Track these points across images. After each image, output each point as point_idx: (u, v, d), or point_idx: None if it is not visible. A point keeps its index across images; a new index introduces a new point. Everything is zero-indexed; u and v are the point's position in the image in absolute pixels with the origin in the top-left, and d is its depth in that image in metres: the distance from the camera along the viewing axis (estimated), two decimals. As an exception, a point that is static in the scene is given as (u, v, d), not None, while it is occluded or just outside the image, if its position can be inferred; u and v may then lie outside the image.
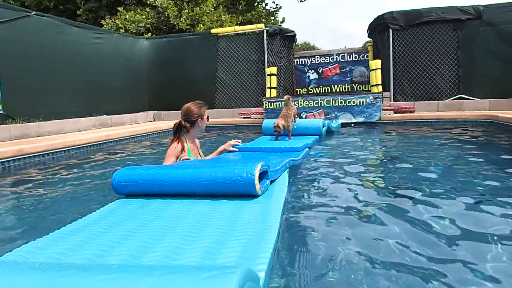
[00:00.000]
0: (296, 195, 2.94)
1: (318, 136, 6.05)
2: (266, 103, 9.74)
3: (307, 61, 12.72)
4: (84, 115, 9.65)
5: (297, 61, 12.86)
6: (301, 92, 12.78)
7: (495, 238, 1.92)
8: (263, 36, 11.52)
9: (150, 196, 2.44)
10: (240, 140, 4.17)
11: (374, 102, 8.87)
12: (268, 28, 11.52)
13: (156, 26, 15.35)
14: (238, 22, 17.21)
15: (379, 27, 10.98)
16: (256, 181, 2.17)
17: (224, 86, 12.15)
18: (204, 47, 12.04)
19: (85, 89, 9.94)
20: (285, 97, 5.75)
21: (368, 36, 12.25)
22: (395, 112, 9.26)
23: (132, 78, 11.95)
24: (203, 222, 1.87)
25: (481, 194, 2.82)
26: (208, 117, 3.65)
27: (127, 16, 14.84)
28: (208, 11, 15.40)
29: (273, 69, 10.74)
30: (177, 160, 3.37)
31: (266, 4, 20.44)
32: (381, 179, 3.54)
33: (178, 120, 3.58)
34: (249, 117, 10.39)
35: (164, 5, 14.83)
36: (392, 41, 10.51)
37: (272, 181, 2.65)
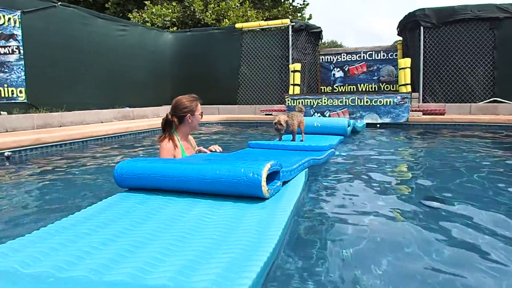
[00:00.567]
0: (313, 198, 2.70)
1: (342, 136, 5.76)
2: (288, 100, 9.49)
3: (333, 59, 12.36)
4: (107, 107, 9.67)
5: (322, 58, 12.52)
6: (325, 91, 12.44)
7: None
8: (288, 32, 11.25)
9: (152, 191, 2.27)
10: (220, 149, 3.50)
11: (402, 102, 8.47)
12: (293, 23, 11.24)
13: (182, 20, 15.33)
14: (264, 18, 16.97)
15: (410, 25, 10.52)
16: (263, 183, 1.95)
17: (247, 82, 11.96)
18: (228, 42, 11.88)
19: (108, 81, 9.97)
20: (298, 106, 5.50)
21: (398, 34, 11.78)
22: (424, 114, 8.82)
23: (156, 72, 11.93)
24: (196, 227, 1.67)
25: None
26: (201, 113, 3.24)
27: (153, 10, 14.88)
28: (234, 6, 15.24)
29: (297, 66, 10.46)
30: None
31: (293, 1, 20.11)
32: (408, 185, 3.25)
33: (166, 114, 3.20)
34: (271, 114, 10.16)
35: (190, 0, 14.77)
36: (423, 40, 10.03)
37: (285, 182, 2.43)
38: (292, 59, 11.23)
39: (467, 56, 9.72)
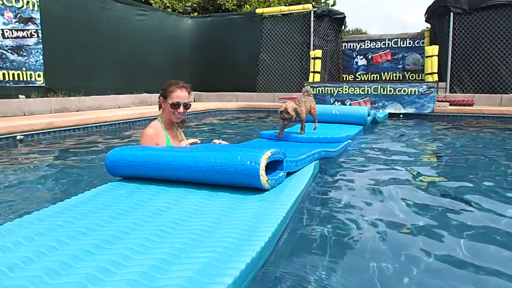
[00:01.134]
0: (322, 192, 2.47)
1: (362, 126, 5.47)
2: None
3: (356, 46, 11.93)
4: (124, 92, 9.64)
5: (345, 46, 12.10)
6: (347, 79, 12.04)
7: None
8: (310, 17, 10.88)
9: (145, 181, 2.12)
10: (225, 142, 3.17)
11: (427, 92, 8.05)
12: (315, 9, 10.85)
13: (203, 6, 15.12)
14: (287, 3, 16.54)
15: (439, 11, 9.97)
16: (262, 172, 1.77)
17: (267, 69, 11.70)
18: (248, 28, 11.61)
19: (126, 66, 9.92)
20: (305, 88, 4.71)
21: (426, 21, 11.20)
22: (450, 105, 8.36)
23: (174, 57, 11.81)
24: (180, 221, 1.50)
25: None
26: (180, 105, 2.71)
27: (174, -5, 14.71)
28: (255, -9, 14.89)
29: (318, 52, 10.11)
30: None
31: (317, -14, 19.51)
32: (430, 181, 2.96)
33: None
34: (290, 102, 9.90)
35: (211, -15, 14.53)
36: (453, 26, 9.49)
37: (290, 174, 2.23)
38: (313, 46, 10.88)
39: (499, 44, 9.14)
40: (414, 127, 6.58)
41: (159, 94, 2.86)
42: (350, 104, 8.61)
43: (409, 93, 8.15)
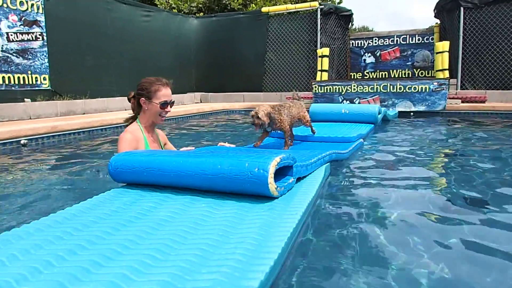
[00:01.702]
0: (333, 196, 2.35)
1: (373, 125, 5.32)
2: (315, 87, 9.06)
3: (364, 43, 11.74)
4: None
5: (352, 43, 11.92)
6: (355, 77, 11.87)
7: None
8: (316, 15, 10.73)
9: (149, 188, 2.01)
10: (232, 145, 2.94)
11: (438, 89, 7.86)
12: (322, 6, 10.70)
13: (208, 6, 15.04)
14: (293, 1, 16.41)
15: (449, 6, 9.76)
16: (270, 179, 1.65)
17: (273, 68, 11.57)
18: (254, 27, 11.50)
19: (132, 68, 9.86)
20: (292, 93, 3.77)
21: (435, 16, 10.99)
22: (462, 102, 8.17)
23: (180, 58, 11.74)
24: (185, 233, 1.39)
25: None
26: (167, 103, 2.51)
27: (179, -5, 14.65)
28: (261, -10, 14.77)
29: (325, 50, 9.96)
30: None
31: (323, -17, 19.32)
32: (443, 182, 2.83)
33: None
34: (297, 102, 9.77)
35: (216, -16, 14.44)
36: (463, 21, 9.28)
37: (300, 179, 2.11)
38: (320, 44, 10.73)
39: (511, 38, 8.91)
40: (425, 125, 6.42)
41: (136, 96, 2.55)
42: (359, 103, 8.45)
43: (419, 90, 7.97)
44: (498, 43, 9.06)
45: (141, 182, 2.05)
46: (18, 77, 7.11)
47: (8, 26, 6.92)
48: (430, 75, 10.66)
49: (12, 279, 1.07)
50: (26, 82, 7.26)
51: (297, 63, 11.29)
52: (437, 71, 8.67)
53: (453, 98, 8.21)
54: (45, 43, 7.58)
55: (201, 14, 14.42)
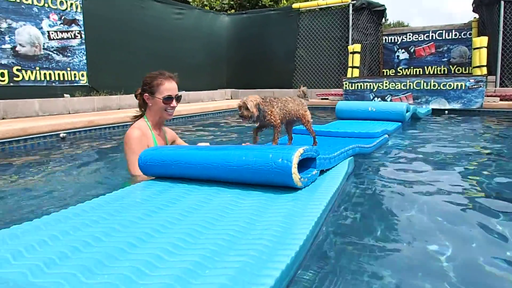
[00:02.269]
0: (358, 191, 2.34)
1: (400, 123, 5.23)
2: (346, 84, 8.95)
3: (397, 39, 11.47)
4: (163, 90, 9.83)
5: (385, 39, 11.67)
6: (388, 74, 11.62)
7: None
8: (348, 11, 10.59)
9: (177, 180, 2.09)
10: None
11: (475, 86, 7.58)
12: (354, 1, 10.54)
13: (240, 3, 15.15)
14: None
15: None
16: (294, 170, 1.68)
17: (304, 64, 11.52)
18: (285, 23, 11.48)
19: (165, 64, 10.07)
20: (301, 88, 3.24)
21: (473, 11, 10.57)
22: (501, 100, 7.83)
23: (211, 55, 11.91)
24: (212, 221, 1.45)
25: None
26: (171, 98, 2.41)
27: (212, -7, 14.85)
28: (292, -14, 14.72)
29: (357, 47, 9.81)
30: None
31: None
32: (476, 185, 2.66)
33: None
34: (327, 99, 9.70)
35: (248, -19, 14.52)
36: (504, 15, 8.88)
37: (323, 171, 2.13)
38: (352, 40, 10.58)
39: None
40: (460, 124, 6.21)
41: (141, 92, 2.48)
42: (390, 100, 8.28)
43: (455, 87, 7.72)
44: (542, 38, 8.62)
45: (169, 175, 2.12)
46: (58, 74, 7.47)
47: (49, 25, 7.27)
48: (467, 71, 10.29)
49: (55, 256, 1.16)
50: (66, 79, 7.61)
51: (327, 60, 11.19)
52: (474, 67, 8.36)
53: (491, 96, 7.88)
54: (83, 41, 7.90)
55: (233, 11, 14.55)
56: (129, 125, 2.55)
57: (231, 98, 12.25)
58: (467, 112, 7.56)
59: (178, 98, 2.50)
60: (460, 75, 9.12)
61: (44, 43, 7.18)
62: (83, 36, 7.89)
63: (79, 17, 7.79)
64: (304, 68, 11.52)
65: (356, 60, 9.77)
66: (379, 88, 8.47)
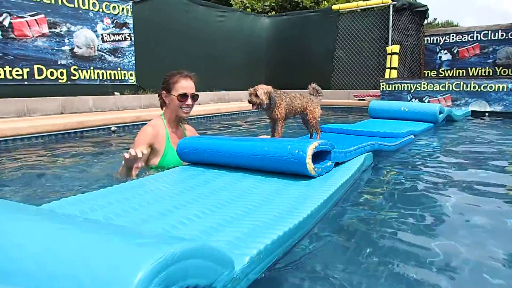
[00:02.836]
0: (375, 186, 2.52)
1: (433, 124, 5.30)
2: (383, 85, 8.99)
3: (440, 40, 11.24)
4: (204, 89, 10.30)
5: (427, 40, 11.47)
6: (430, 75, 11.42)
7: None
8: (388, 12, 10.55)
9: (208, 166, 2.43)
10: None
11: (518, 88, 7.39)
12: (395, 2, 10.48)
13: (281, 4, 15.41)
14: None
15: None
16: (308, 160, 1.96)
17: (342, 65, 11.60)
18: (324, 25, 11.62)
19: (207, 65, 10.58)
20: (312, 85, 3.52)
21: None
22: (546, 102, 7.57)
23: (251, 56, 12.27)
24: (236, 198, 1.77)
25: None
26: (187, 95, 2.50)
27: (254, -5, 15.23)
28: (334, -13, 14.77)
29: (395, 48, 9.79)
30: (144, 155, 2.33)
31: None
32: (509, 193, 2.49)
33: None
34: (364, 99, 9.76)
35: (289, -17, 14.75)
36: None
37: (338, 164, 2.38)
38: (392, 41, 10.53)
39: None
40: (498, 127, 6.12)
41: (160, 90, 2.59)
42: (428, 101, 8.23)
43: (496, 89, 7.57)
44: None
45: (202, 161, 2.46)
46: (110, 73, 8.11)
47: (103, 28, 7.92)
48: (514, 73, 9.95)
49: (121, 211, 1.54)
50: (116, 78, 8.25)
51: (366, 61, 11.21)
52: (518, 69, 8.12)
53: (535, 98, 7.64)
54: (133, 43, 8.52)
55: (273, 12, 14.84)
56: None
57: (270, 98, 12.55)
58: (509, 115, 7.39)
59: (194, 97, 2.56)
60: (501, 77, 8.84)
61: (98, 45, 7.84)
62: (132, 38, 8.50)
63: (130, 20, 8.41)
64: (342, 69, 11.60)
65: (394, 61, 9.75)
66: (417, 89, 8.44)
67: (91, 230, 0.92)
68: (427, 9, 11.02)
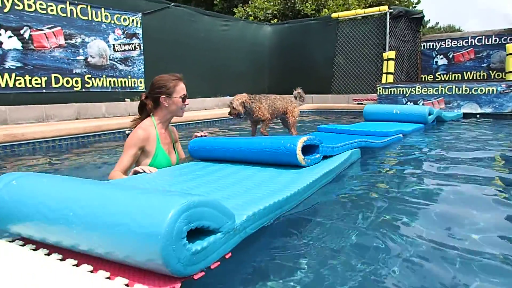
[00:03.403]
0: (360, 181, 2.86)
1: (422, 125, 5.73)
2: (380, 89, 9.42)
3: (436, 45, 11.69)
4: (210, 96, 10.80)
5: (424, 45, 11.92)
6: (426, 79, 11.85)
7: None
8: (385, 19, 11.01)
9: (216, 161, 2.87)
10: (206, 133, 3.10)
11: (507, 91, 7.79)
12: (391, 10, 10.94)
13: (283, 12, 15.91)
14: (367, 5, 16.58)
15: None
16: (298, 151, 2.39)
17: (341, 71, 12.05)
18: (324, 32, 12.10)
19: (212, 72, 11.08)
20: (296, 91, 3.89)
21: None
22: (535, 104, 7.96)
23: (254, 63, 12.77)
24: (240, 180, 2.21)
25: None
26: (184, 97, 2.65)
27: (256, 4, 15.75)
28: (334, -5, 15.26)
29: (391, 54, 10.23)
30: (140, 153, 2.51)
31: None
32: (499, 191, 2.52)
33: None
34: (362, 103, 10.19)
35: (290, -9, 15.26)
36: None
37: (327, 157, 2.81)
38: (389, 47, 10.97)
39: None
40: (488, 127, 6.48)
41: (153, 95, 2.63)
42: (423, 104, 8.64)
43: (486, 92, 7.97)
44: None
45: (210, 158, 2.91)
46: (121, 81, 8.62)
47: (114, 39, 8.43)
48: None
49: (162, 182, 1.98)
50: (127, 85, 8.75)
51: (365, 66, 11.65)
52: (507, 73, 8.54)
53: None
54: (142, 52, 9.03)
55: (275, 20, 15.35)
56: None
57: (272, 103, 13.01)
58: (498, 116, 7.78)
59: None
60: (491, 80, 9.24)
61: (110, 55, 8.35)
62: (141, 47, 9.01)
63: (139, 31, 8.92)
64: (342, 74, 12.04)
65: (391, 66, 10.18)
66: (412, 93, 8.86)
67: (134, 188, 1.35)
68: (423, 16, 11.48)
